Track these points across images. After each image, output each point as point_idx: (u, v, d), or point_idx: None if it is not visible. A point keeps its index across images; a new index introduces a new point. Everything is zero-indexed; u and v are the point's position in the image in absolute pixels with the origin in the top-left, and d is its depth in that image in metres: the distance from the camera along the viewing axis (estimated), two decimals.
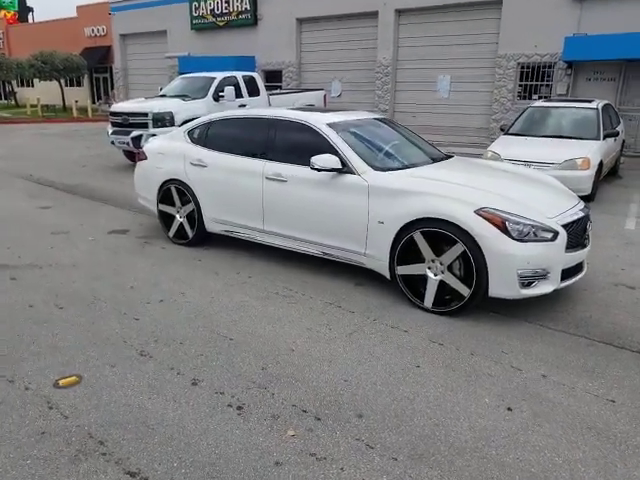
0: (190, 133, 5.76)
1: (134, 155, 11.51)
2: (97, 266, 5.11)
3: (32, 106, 27.11)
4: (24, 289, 4.50)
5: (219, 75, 11.91)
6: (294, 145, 4.91)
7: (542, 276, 3.83)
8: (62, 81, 28.81)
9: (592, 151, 7.72)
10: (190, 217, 5.69)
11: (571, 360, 3.40)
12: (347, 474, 2.35)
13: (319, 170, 4.42)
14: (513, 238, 3.72)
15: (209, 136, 5.54)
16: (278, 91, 14.74)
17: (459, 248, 3.83)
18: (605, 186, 9.03)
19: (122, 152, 11.82)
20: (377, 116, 5.76)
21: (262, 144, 5.06)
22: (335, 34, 17.60)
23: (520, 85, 14.37)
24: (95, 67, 30.41)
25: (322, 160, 4.37)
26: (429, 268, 4.05)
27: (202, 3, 20.90)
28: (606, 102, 9.51)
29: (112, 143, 11.08)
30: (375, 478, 2.34)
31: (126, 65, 26.34)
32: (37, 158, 12.45)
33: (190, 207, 5.62)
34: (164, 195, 5.86)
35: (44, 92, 31.20)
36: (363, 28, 16.87)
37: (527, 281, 3.80)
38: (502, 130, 9.50)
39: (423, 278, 4.09)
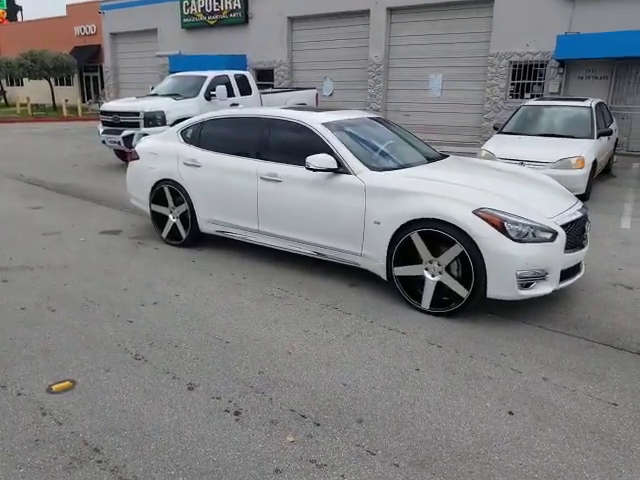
0: (183, 133, 5.68)
1: (125, 154, 11.42)
2: (89, 267, 5.03)
3: (22, 105, 26.81)
4: (15, 291, 4.41)
5: (211, 74, 11.82)
6: (289, 145, 4.86)
7: (541, 277, 3.80)
8: (52, 80, 28.49)
9: (586, 150, 7.73)
10: (183, 218, 5.61)
11: (571, 362, 3.37)
12: None
13: (314, 170, 4.36)
14: (512, 239, 3.69)
15: (202, 136, 5.47)
16: (270, 90, 14.66)
17: (457, 249, 3.80)
18: (599, 185, 9.05)
19: (113, 151, 11.70)
20: (372, 115, 5.71)
21: (256, 144, 4.99)
22: (326, 33, 17.54)
23: (512, 84, 14.39)
24: (85, 66, 30.14)
25: (317, 160, 4.32)
26: (426, 269, 4.01)
27: (193, 1, 20.74)
28: (599, 100, 9.54)
29: (103, 142, 10.96)
30: None
31: (116, 64, 26.11)
32: (27, 157, 12.29)
33: (183, 207, 5.55)
34: (157, 195, 5.78)
35: (34, 91, 30.88)
36: (354, 27, 16.83)
37: (526, 282, 3.77)
38: (496, 129, 9.49)
39: (420, 279, 4.05)
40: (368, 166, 4.39)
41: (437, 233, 3.87)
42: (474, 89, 14.95)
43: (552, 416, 2.80)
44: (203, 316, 3.98)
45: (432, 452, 2.50)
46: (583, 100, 9.20)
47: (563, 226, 3.90)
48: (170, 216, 5.74)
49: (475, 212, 3.76)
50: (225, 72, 12.23)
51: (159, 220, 5.86)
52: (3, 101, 32.39)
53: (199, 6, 20.57)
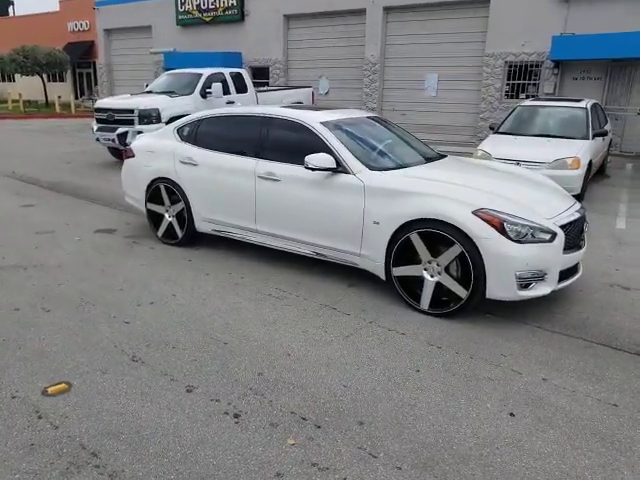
0: (180, 131, 5.62)
1: (120, 152, 11.34)
2: (84, 267, 4.97)
3: (14, 101, 26.55)
4: (9, 291, 4.34)
5: (206, 71, 11.74)
6: (287, 144, 4.82)
7: (540, 278, 3.80)
8: (44, 76, 28.24)
9: (582, 151, 7.75)
10: (180, 216, 5.56)
11: (570, 363, 3.37)
12: None
13: (313, 169, 4.33)
14: (511, 239, 3.68)
15: (199, 134, 5.42)
16: (265, 88, 14.60)
17: (456, 249, 3.78)
18: (594, 185, 9.08)
19: (107, 149, 11.61)
20: (370, 114, 5.68)
21: (254, 142, 4.95)
22: (322, 31, 17.49)
23: (507, 84, 14.42)
24: (78, 62, 29.91)
25: (317, 159, 4.29)
26: (425, 269, 4.00)
27: None
28: (594, 101, 9.57)
29: (97, 140, 10.86)
30: None
31: (110, 60, 25.91)
32: (20, 155, 12.16)
33: (180, 206, 5.50)
34: (153, 194, 5.72)
35: (26, 87, 30.57)
36: (351, 25, 16.80)
37: (525, 283, 3.77)
38: (491, 129, 9.50)
39: (419, 279, 4.04)
40: (367, 166, 4.36)
41: (436, 233, 3.85)
42: (470, 89, 14.97)
43: (553, 417, 2.79)
44: (200, 316, 3.94)
45: (434, 454, 2.49)
46: (578, 101, 9.22)
47: (562, 227, 3.89)
48: (166, 215, 5.68)
49: (475, 212, 3.74)
50: (221, 70, 12.16)
51: (155, 219, 5.81)
52: None
53: (194, 3, 20.44)
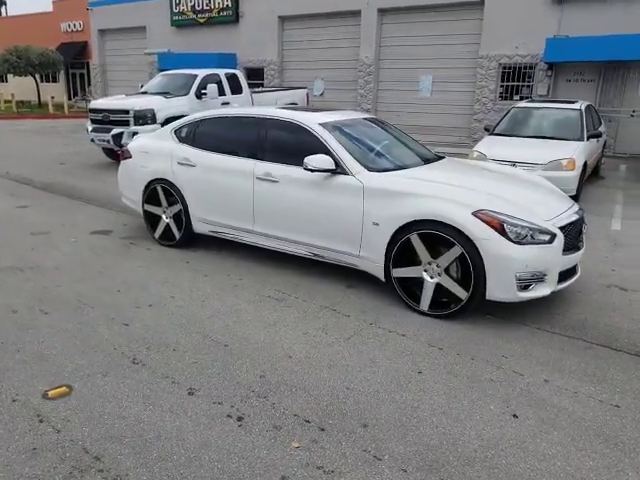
0: (177, 132, 5.60)
1: (114, 153, 11.29)
2: (81, 268, 4.93)
3: (6, 102, 26.34)
4: (6, 293, 4.30)
5: (201, 72, 11.72)
6: (285, 145, 4.81)
7: (539, 279, 3.81)
8: (37, 77, 28.05)
9: (577, 152, 7.79)
10: (177, 218, 5.54)
11: (571, 364, 3.38)
12: None
13: (312, 171, 4.33)
14: (511, 241, 3.69)
15: (197, 135, 5.39)
16: (260, 89, 14.58)
17: (457, 251, 3.79)
18: (588, 187, 9.13)
19: (102, 150, 11.54)
20: (367, 116, 5.69)
21: (252, 144, 4.94)
22: (317, 32, 17.50)
23: (501, 86, 14.50)
24: (71, 63, 29.74)
25: (316, 160, 4.28)
26: (425, 271, 4.00)
27: None
28: (588, 103, 9.63)
29: (92, 141, 10.80)
30: None
31: (104, 61, 25.78)
32: (13, 155, 12.06)
33: (177, 207, 5.47)
34: (150, 195, 5.69)
35: (18, 87, 30.32)
36: (346, 27, 16.82)
37: (525, 284, 3.78)
38: (487, 130, 9.54)
39: (419, 281, 4.04)
40: (366, 167, 4.36)
41: (436, 235, 3.86)
42: (464, 90, 15.03)
43: (556, 419, 2.80)
44: (200, 318, 3.92)
45: (439, 457, 2.48)
46: (573, 102, 9.28)
47: (561, 228, 3.91)
48: (163, 216, 5.66)
49: (475, 214, 3.75)
50: (216, 71, 12.14)
51: (152, 220, 5.78)
52: None
53: (189, 4, 20.39)
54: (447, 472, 2.39)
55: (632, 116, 12.77)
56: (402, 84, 16.10)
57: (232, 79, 12.18)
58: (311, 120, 4.68)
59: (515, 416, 2.81)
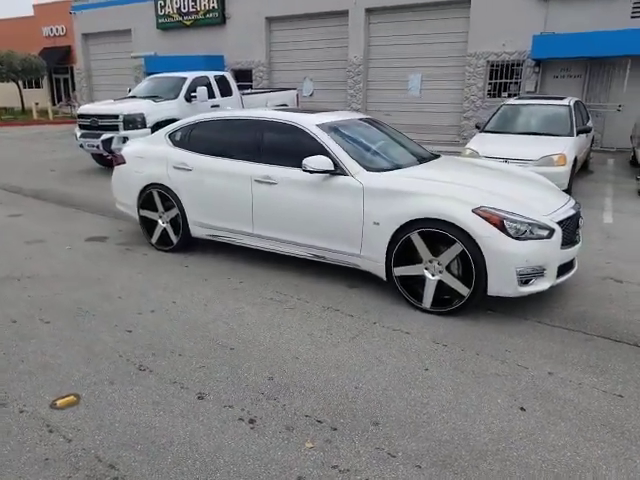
0: (172, 136, 5.58)
1: (104, 158, 11.22)
2: (79, 276, 4.90)
3: None
4: (4, 303, 4.26)
5: (190, 75, 11.66)
6: (283, 147, 4.82)
7: (539, 273, 3.86)
8: (20, 82, 27.71)
9: (567, 147, 7.88)
10: (174, 222, 5.52)
11: (574, 356, 3.43)
12: None
13: (311, 172, 4.34)
14: (511, 236, 3.74)
15: (192, 138, 5.38)
16: (249, 91, 14.55)
17: (458, 248, 3.83)
18: (578, 181, 9.24)
19: (91, 155, 11.46)
20: (362, 116, 5.71)
21: (250, 146, 4.94)
22: (305, 33, 17.50)
23: (490, 83, 14.61)
24: (55, 68, 29.43)
25: (315, 162, 4.30)
26: (426, 268, 4.03)
27: (168, 2, 20.44)
28: (577, 99, 9.75)
29: (81, 146, 10.70)
30: None
31: (89, 65, 25.54)
32: (0, 163, 11.92)
33: (174, 212, 5.46)
34: (145, 200, 5.67)
35: (1, 94, 29.96)
36: (333, 27, 16.84)
37: (525, 279, 3.82)
38: (478, 127, 9.61)
39: (421, 279, 4.07)
40: (364, 167, 4.39)
41: (437, 232, 3.89)
42: (453, 88, 15.12)
43: (562, 410, 2.84)
44: (203, 322, 3.91)
45: (452, 452, 2.51)
46: (561, 99, 9.39)
47: (559, 223, 3.96)
48: (159, 221, 5.63)
49: (475, 211, 3.79)
50: (205, 73, 12.09)
51: (148, 225, 5.76)
52: None
53: (175, 6, 20.28)
54: (460, 466, 2.41)
55: (618, 111, 12.93)
56: (391, 83, 16.16)
57: (221, 81, 12.14)
58: (308, 121, 4.69)
59: (522, 409, 2.85)
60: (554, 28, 13.01)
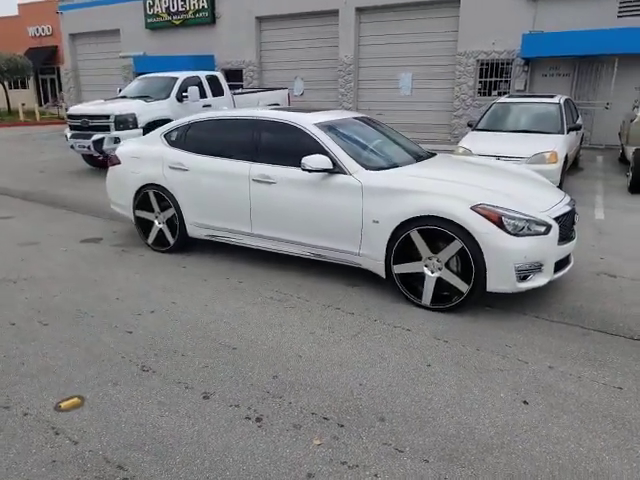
0: (167, 136, 5.56)
1: (95, 159, 11.14)
2: (75, 278, 4.87)
3: None
4: (1, 306, 4.22)
5: (182, 75, 11.61)
6: (281, 146, 4.82)
7: (537, 269, 3.91)
8: (6, 83, 27.38)
9: (559, 145, 7.97)
10: (170, 223, 5.50)
11: (572, 350, 3.48)
12: None
13: (310, 171, 4.35)
14: (509, 233, 3.78)
15: (189, 138, 5.37)
16: (240, 90, 14.52)
17: (457, 245, 3.86)
18: (568, 178, 9.35)
19: (82, 156, 11.36)
20: (358, 115, 5.73)
21: (247, 145, 4.94)
22: (296, 32, 17.50)
23: (480, 82, 14.72)
24: (41, 68, 29.13)
25: (314, 161, 4.31)
26: (426, 266, 4.06)
27: (157, 1, 20.32)
28: (566, 97, 9.85)
29: (72, 147, 10.61)
30: None
31: (76, 66, 25.30)
32: None
33: (170, 212, 5.44)
34: (141, 201, 5.64)
35: None
36: (324, 26, 16.86)
37: (523, 274, 3.87)
38: (469, 126, 9.68)
39: (420, 276, 4.10)
40: (363, 165, 4.41)
41: (436, 230, 3.92)
42: (443, 87, 15.22)
43: (564, 403, 2.89)
44: (204, 323, 3.91)
45: (458, 446, 2.54)
46: (552, 97, 9.48)
47: (555, 219, 4.01)
48: (156, 222, 5.61)
49: (473, 208, 3.82)
50: (196, 73, 12.04)
51: (144, 226, 5.73)
52: None
53: (163, 6, 20.16)
54: (467, 460, 2.44)
55: (606, 109, 13.09)
56: (382, 82, 16.22)
57: (213, 81, 12.10)
58: (306, 120, 4.70)
59: (525, 402, 2.89)
60: (543, 27, 13.15)
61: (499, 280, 3.85)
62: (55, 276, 4.91)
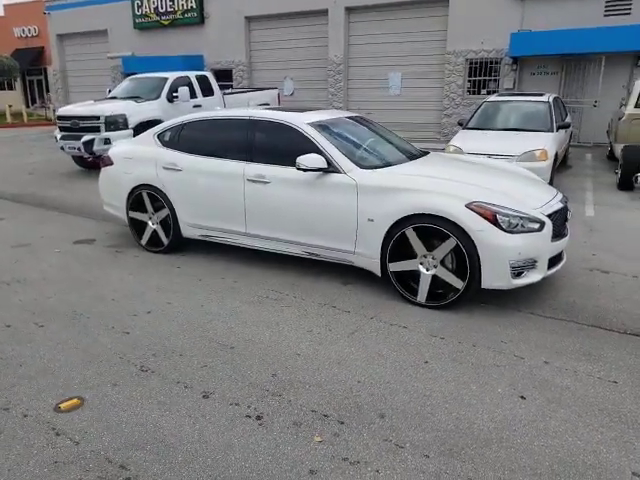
0: (160, 136, 5.54)
1: (85, 160, 11.06)
2: (70, 279, 4.84)
3: None
4: None
5: (172, 75, 11.56)
6: (275, 146, 4.83)
7: (531, 266, 3.95)
8: None
9: (548, 143, 8.05)
10: (164, 223, 5.49)
11: (567, 345, 3.53)
12: (384, 476, 2.34)
13: (305, 170, 4.36)
14: (504, 230, 3.82)
15: (182, 138, 5.35)
16: (230, 90, 14.49)
17: (452, 242, 3.89)
18: (558, 176, 9.44)
19: (72, 158, 11.28)
20: (350, 114, 5.75)
21: (241, 145, 4.94)
22: (285, 32, 17.50)
23: (469, 80, 14.82)
24: (28, 69, 28.84)
25: (308, 160, 4.32)
26: (421, 263, 4.09)
27: (145, 1, 20.20)
28: (555, 95, 9.96)
29: (62, 149, 10.52)
30: (412, 477, 2.33)
31: (64, 67, 25.06)
32: None
33: (164, 213, 5.42)
34: (135, 201, 5.62)
35: None
36: (313, 26, 16.88)
37: (518, 271, 3.91)
38: (460, 124, 9.74)
39: (415, 274, 4.13)
40: (357, 164, 4.43)
41: (431, 228, 3.95)
42: (433, 86, 15.30)
43: (561, 397, 2.93)
44: (201, 322, 3.91)
45: (458, 441, 2.57)
46: (541, 95, 9.58)
47: (548, 216, 4.06)
48: (149, 222, 5.59)
49: (468, 206, 3.86)
50: (186, 73, 12.00)
51: (138, 227, 5.71)
52: None
53: (152, 6, 20.04)
54: (467, 455, 2.47)
55: (594, 106, 13.25)
56: (372, 82, 16.27)
57: (203, 81, 12.06)
58: (300, 120, 4.71)
59: (523, 397, 2.93)
60: (530, 26, 13.27)
61: (494, 277, 3.89)
62: (49, 278, 4.88)
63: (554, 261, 4.22)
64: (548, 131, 8.57)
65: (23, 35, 29.07)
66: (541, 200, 4.23)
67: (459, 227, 3.84)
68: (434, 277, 4.05)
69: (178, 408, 2.84)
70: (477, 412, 2.80)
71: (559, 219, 4.22)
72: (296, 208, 4.58)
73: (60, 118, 10.66)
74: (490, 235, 3.80)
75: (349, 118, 5.48)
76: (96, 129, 10.16)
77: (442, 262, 4.01)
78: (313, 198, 4.48)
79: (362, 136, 5.22)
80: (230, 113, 5.23)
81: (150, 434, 2.62)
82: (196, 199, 5.15)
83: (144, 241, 5.68)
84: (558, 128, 8.76)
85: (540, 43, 12.64)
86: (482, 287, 3.95)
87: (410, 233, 4.04)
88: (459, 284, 3.95)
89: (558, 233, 4.21)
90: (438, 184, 4.09)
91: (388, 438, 2.59)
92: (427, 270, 4.07)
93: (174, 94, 11.10)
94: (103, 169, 5.94)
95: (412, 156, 5.06)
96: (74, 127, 10.34)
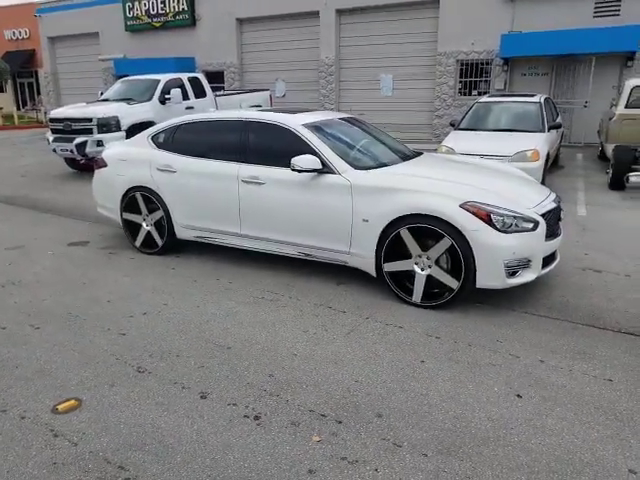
0: (154, 138, 5.53)
1: (77, 162, 11.01)
2: (64, 281, 4.82)
3: None
4: None
5: (164, 77, 11.54)
6: (269, 147, 4.83)
7: (525, 265, 3.99)
8: None
9: (540, 143, 8.11)
10: (159, 225, 5.47)
11: (562, 344, 3.56)
12: (383, 475, 2.35)
13: (300, 171, 4.37)
14: (498, 230, 3.85)
15: (176, 140, 5.35)
16: (222, 92, 14.48)
17: (446, 242, 3.92)
18: (549, 176, 9.52)
19: (64, 160, 11.22)
20: (344, 115, 5.77)
21: (235, 147, 4.94)
22: (277, 34, 17.52)
23: (460, 82, 14.91)
24: (18, 72, 28.63)
25: (303, 161, 4.33)
26: (416, 263, 4.12)
27: (136, 4, 20.14)
28: (546, 96, 10.04)
29: (54, 151, 10.47)
30: (411, 476, 2.35)
31: (56, 69, 24.92)
32: None
33: (158, 214, 5.41)
34: (129, 203, 5.60)
35: None
36: (305, 28, 16.90)
37: (512, 270, 3.94)
38: (452, 125, 9.79)
39: (410, 274, 4.15)
40: (351, 165, 4.45)
41: (426, 228, 3.98)
42: (424, 87, 15.37)
43: (557, 396, 2.96)
44: (198, 323, 3.90)
45: (455, 439, 2.59)
46: (532, 96, 9.65)
47: (542, 216, 4.10)
48: (143, 224, 5.58)
49: (462, 206, 3.89)
50: (178, 75, 11.98)
51: (132, 229, 5.69)
52: None
53: (143, 8, 19.98)
54: (465, 453, 2.49)
55: (585, 107, 13.37)
56: (363, 83, 16.32)
57: (195, 83, 12.04)
58: (294, 121, 4.72)
59: (519, 396, 2.95)
60: (521, 27, 13.38)
61: (488, 276, 3.92)
62: (44, 280, 4.86)
63: (548, 260, 4.25)
64: (539, 131, 8.63)
65: (14, 37, 28.84)
66: (534, 200, 4.27)
67: (453, 227, 3.87)
68: (429, 277, 4.08)
69: (176, 408, 2.83)
70: (474, 411, 2.82)
71: (552, 219, 4.26)
72: (291, 209, 4.59)
73: (52, 120, 10.60)
74: (484, 235, 3.83)
75: (342, 119, 5.50)
76: (88, 131, 10.12)
77: (437, 262, 4.04)
78: (308, 199, 4.49)
79: (356, 137, 5.23)
80: (224, 115, 5.24)
81: (148, 434, 2.62)
82: (191, 200, 5.14)
83: (138, 243, 5.66)
84: (549, 128, 8.83)
85: (531, 44, 12.75)
86: (477, 287, 3.97)
87: (405, 233, 4.07)
88: (454, 284, 3.98)
89: (552, 233, 4.24)
90: (432, 184, 4.11)
91: (386, 437, 2.60)
92: (422, 270, 4.10)
93: (166, 96, 11.08)
94: (97, 171, 5.91)
95: (406, 157, 5.08)
96: (66, 129, 10.29)
